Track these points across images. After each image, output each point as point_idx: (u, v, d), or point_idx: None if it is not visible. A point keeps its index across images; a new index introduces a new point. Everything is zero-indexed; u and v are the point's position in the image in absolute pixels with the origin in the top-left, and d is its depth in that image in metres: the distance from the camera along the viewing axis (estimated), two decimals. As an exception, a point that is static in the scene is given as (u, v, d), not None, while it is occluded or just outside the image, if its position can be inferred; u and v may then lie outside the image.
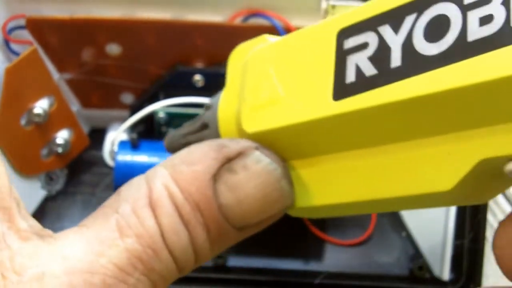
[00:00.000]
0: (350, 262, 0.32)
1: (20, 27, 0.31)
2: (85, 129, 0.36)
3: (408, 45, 0.16)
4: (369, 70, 0.17)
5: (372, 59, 0.17)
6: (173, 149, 0.24)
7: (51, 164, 0.33)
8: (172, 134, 0.25)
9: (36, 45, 0.30)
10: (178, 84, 0.33)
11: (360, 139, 0.18)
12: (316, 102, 0.18)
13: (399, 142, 0.17)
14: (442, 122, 0.16)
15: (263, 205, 0.20)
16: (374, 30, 0.17)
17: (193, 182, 0.19)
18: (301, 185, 0.20)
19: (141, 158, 0.30)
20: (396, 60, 0.16)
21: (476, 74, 0.14)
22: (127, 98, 0.35)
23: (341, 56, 0.18)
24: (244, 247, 0.32)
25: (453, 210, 0.31)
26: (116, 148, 0.31)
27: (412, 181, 0.17)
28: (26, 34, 0.31)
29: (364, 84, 0.17)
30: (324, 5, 0.30)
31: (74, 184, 0.34)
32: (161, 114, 0.33)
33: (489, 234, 0.35)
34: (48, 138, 0.32)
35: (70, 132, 0.33)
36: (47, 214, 0.34)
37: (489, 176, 0.16)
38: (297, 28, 0.31)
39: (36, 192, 0.33)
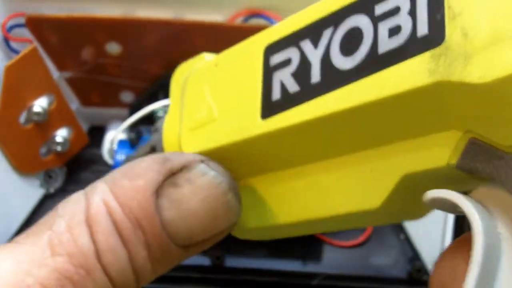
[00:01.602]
0: (348, 264, 0.32)
1: (20, 25, 0.30)
2: (85, 127, 0.36)
3: (326, 60, 0.16)
4: (292, 86, 0.17)
5: (295, 75, 0.17)
6: None
7: (50, 162, 0.33)
8: (128, 157, 0.24)
9: (36, 43, 0.30)
10: (178, 83, 0.33)
11: (292, 156, 0.18)
12: (246, 121, 0.18)
13: (326, 160, 0.17)
14: (362, 137, 0.16)
15: (209, 221, 0.18)
16: (297, 45, 0.17)
17: (134, 196, 0.18)
18: (245, 204, 0.20)
19: (140, 157, 0.30)
20: (316, 75, 0.16)
21: (383, 89, 0.14)
22: (127, 96, 0.35)
23: (268, 73, 0.18)
24: (242, 248, 0.32)
25: (452, 212, 0.31)
26: (115, 147, 0.31)
27: (342, 200, 0.17)
28: (26, 32, 0.31)
29: (288, 101, 0.17)
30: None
31: (73, 183, 0.34)
32: (161, 114, 0.33)
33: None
34: (47, 137, 0.32)
35: (69, 130, 0.33)
36: (46, 212, 0.33)
37: (419, 191, 0.16)
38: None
39: (34, 190, 0.33)
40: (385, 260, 0.32)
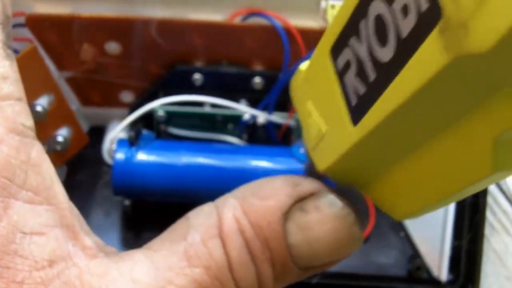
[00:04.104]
0: (348, 262, 0.32)
1: (20, 25, 0.31)
2: (85, 127, 0.36)
3: (371, 54, 0.16)
4: (360, 88, 0.17)
5: (358, 76, 0.17)
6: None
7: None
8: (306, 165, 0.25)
9: (35, 43, 0.30)
10: (178, 83, 0.33)
11: (397, 149, 0.18)
12: (344, 132, 0.18)
13: (423, 146, 0.17)
14: (436, 118, 0.16)
15: (332, 250, 0.19)
16: (347, 44, 0.17)
17: (264, 217, 0.19)
18: (391, 199, 0.20)
19: (139, 156, 0.30)
20: (371, 73, 0.16)
21: (419, 76, 0.13)
22: (127, 96, 0.35)
23: (341, 78, 0.18)
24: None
25: (451, 211, 0.31)
26: (114, 146, 0.31)
27: (456, 178, 0.16)
28: (26, 32, 0.31)
29: (363, 104, 0.17)
30: (323, 4, 0.30)
31: (72, 182, 0.34)
32: (160, 113, 0.33)
33: (489, 233, 0.35)
34: (47, 136, 0.32)
35: (69, 130, 0.33)
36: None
37: None
38: (297, 28, 0.31)
39: (35, 189, 0.33)
40: (385, 258, 0.32)
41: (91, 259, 0.18)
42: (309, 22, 0.31)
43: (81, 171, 0.35)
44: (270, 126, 0.33)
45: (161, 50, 0.32)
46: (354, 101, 0.17)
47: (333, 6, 0.30)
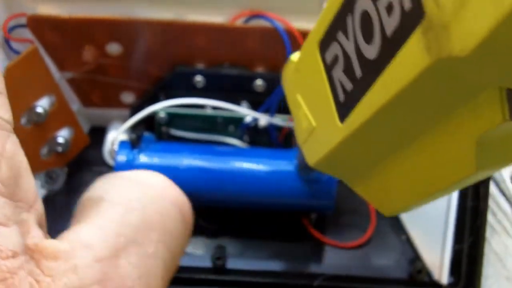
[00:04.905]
0: (349, 265, 0.32)
1: (21, 26, 0.30)
2: (85, 128, 0.36)
3: (358, 51, 0.16)
4: (348, 84, 0.17)
5: (345, 72, 0.17)
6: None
7: (51, 163, 0.33)
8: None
9: (36, 44, 0.30)
10: (179, 84, 0.33)
11: (384, 146, 0.18)
12: (332, 128, 0.18)
13: (410, 145, 0.17)
14: (424, 117, 0.16)
15: None
16: (335, 39, 0.17)
17: None
18: (379, 195, 0.20)
19: (141, 159, 0.30)
20: (357, 70, 0.16)
21: (403, 77, 0.14)
22: (128, 97, 0.35)
23: (329, 72, 0.18)
24: (243, 249, 0.32)
25: (453, 214, 0.31)
26: (116, 147, 0.31)
27: (444, 175, 0.16)
28: (27, 33, 0.31)
29: (350, 100, 0.17)
30: (325, 6, 0.30)
31: (74, 183, 0.34)
32: (162, 114, 0.33)
33: (490, 235, 0.35)
34: (48, 137, 0.32)
35: (70, 131, 0.33)
36: (47, 213, 0.33)
37: (501, 147, 0.15)
38: (298, 30, 0.31)
39: (35, 191, 0.33)
40: (386, 261, 0.32)
41: (44, 250, 0.18)
42: (311, 24, 0.31)
43: (82, 172, 0.35)
44: (272, 128, 0.33)
45: (163, 51, 0.32)
46: (341, 97, 0.17)
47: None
